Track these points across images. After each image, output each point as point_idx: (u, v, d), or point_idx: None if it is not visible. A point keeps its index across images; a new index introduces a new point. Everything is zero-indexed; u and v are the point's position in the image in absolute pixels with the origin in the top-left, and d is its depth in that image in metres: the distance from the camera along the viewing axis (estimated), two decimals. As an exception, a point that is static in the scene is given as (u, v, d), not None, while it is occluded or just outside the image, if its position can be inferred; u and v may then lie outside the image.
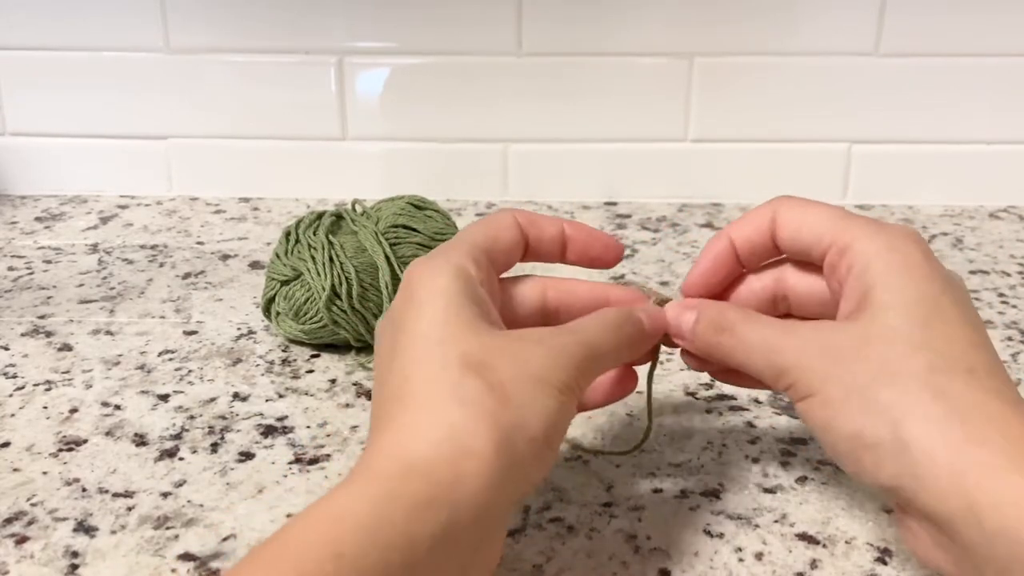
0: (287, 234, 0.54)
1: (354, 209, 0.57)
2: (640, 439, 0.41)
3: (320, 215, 0.55)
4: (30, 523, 0.38)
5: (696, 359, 0.37)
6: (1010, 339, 0.54)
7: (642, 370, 0.39)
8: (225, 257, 0.67)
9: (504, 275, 0.37)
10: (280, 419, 0.46)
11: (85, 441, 0.44)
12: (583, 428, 0.45)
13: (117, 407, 0.47)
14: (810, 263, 0.36)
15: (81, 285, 0.62)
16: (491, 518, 0.29)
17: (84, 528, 0.38)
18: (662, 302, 0.38)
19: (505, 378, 0.30)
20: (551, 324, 0.36)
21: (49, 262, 0.66)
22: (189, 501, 0.40)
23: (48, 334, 0.55)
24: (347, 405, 0.47)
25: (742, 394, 0.48)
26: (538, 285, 0.37)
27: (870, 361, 0.30)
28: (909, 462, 0.29)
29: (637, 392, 0.39)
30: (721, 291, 0.38)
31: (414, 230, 0.54)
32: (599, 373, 0.34)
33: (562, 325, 0.34)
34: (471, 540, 0.28)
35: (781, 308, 0.38)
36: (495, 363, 0.30)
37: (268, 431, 0.45)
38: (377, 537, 0.26)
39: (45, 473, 0.42)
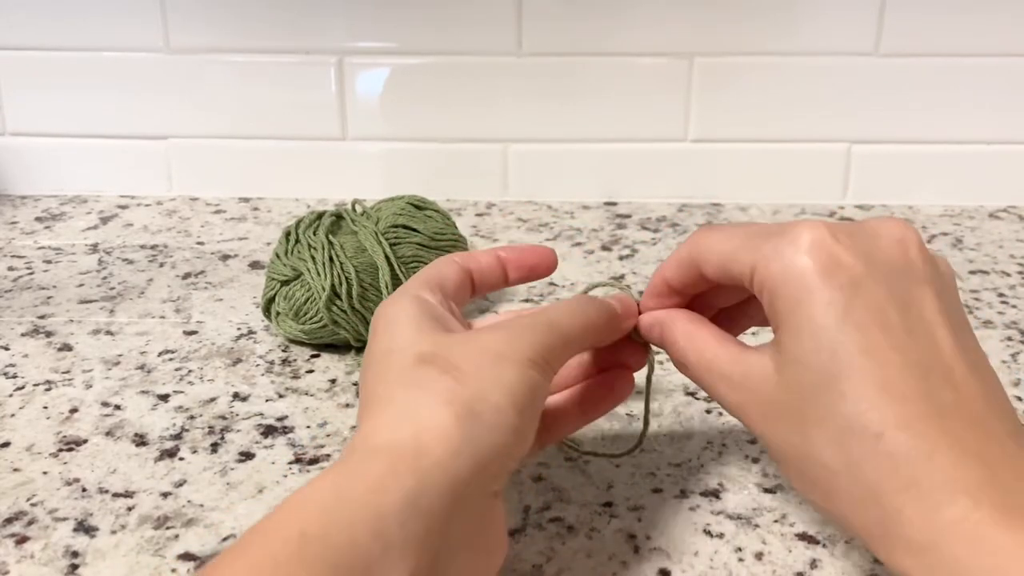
0: (287, 234, 0.54)
1: (354, 209, 0.57)
2: (636, 442, 0.41)
3: (320, 215, 0.55)
4: (30, 523, 0.38)
5: None
6: (1010, 339, 0.54)
7: (641, 375, 0.39)
8: (225, 257, 0.67)
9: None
10: (280, 419, 0.46)
11: (85, 441, 0.44)
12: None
13: (117, 407, 0.47)
14: None
15: (81, 285, 0.62)
16: (468, 489, 0.29)
17: (84, 528, 0.38)
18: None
19: (460, 361, 0.31)
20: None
21: (49, 262, 0.66)
22: (189, 501, 0.40)
23: (48, 334, 0.55)
24: (347, 405, 0.47)
25: (742, 394, 0.48)
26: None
27: (791, 431, 0.30)
28: (850, 529, 0.30)
29: (638, 392, 0.39)
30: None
31: (414, 230, 0.54)
32: (569, 349, 0.34)
33: (525, 313, 0.35)
34: (447, 510, 0.28)
35: None
36: (449, 353, 0.31)
37: (268, 431, 0.45)
38: (342, 514, 0.26)
39: (45, 473, 0.42)
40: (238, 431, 0.45)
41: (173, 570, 0.36)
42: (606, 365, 0.39)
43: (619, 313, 0.37)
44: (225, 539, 0.37)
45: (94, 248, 0.69)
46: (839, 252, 0.30)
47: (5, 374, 0.50)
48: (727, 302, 0.38)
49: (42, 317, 0.57)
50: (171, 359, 0.52)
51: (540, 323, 0.33)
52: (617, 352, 0.39)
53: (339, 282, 0.50)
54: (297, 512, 0.27)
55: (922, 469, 0.27)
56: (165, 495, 0.40)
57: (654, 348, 0.39)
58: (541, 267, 0.39)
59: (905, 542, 0.27)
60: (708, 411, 0.46)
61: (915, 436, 0.27)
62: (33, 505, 0.39)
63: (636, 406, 0.46)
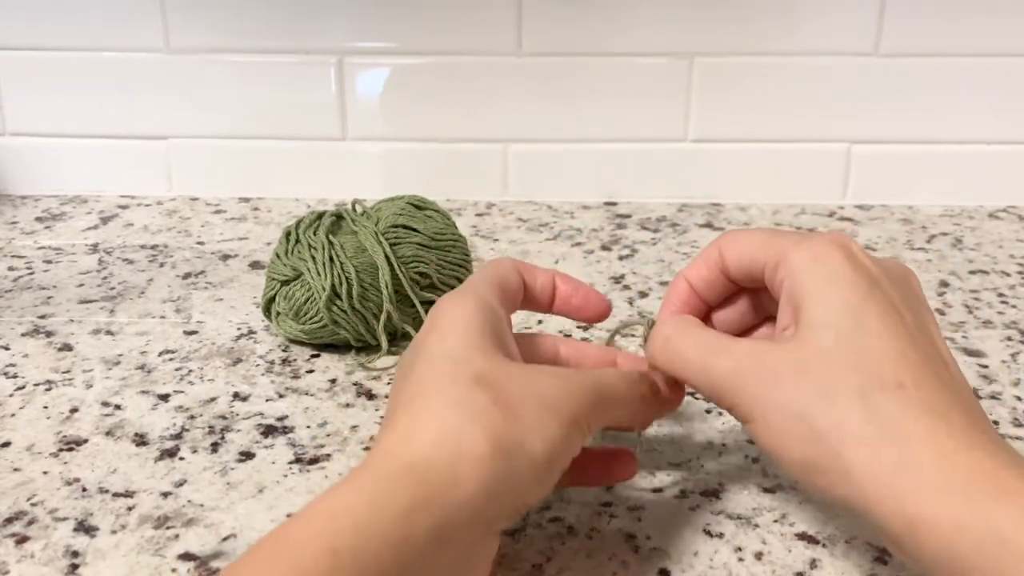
0: (287, 234, 0.54)
1: (354, 209, 0.57)
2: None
3: (320, 215, 0.55)
4: (30, 523, 0.38)
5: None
6: (1010, 339, 0.54)
7: None
8: (225, 257, 0.67)
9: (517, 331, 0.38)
10: (280, 419, 0.46)
11: (85, 441, 0.44)
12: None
13: (117, 407, 0.47)
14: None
15: (81, 285, 0.62)
16: (483, 526, 0.29)
17: (84, 528, 0.38)
18: (651, 324, 0.38)
19: (513, 397, 0.30)
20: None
21: (49, 262, 0.66)
22: (189, 501, 0.40)
23: (48, 334, 0.55)
24: (347, 405, 0.47)
25: (742, 394, 0.48)
26: (551, 340, 0.39)
27: (806, 386, 0.31)
28: (855, 486, 0.29)
29: None
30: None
31: (414, 230, 0.54)
32: (610, 419, 0.35)
33: (579, 369, 0.35)
34: (463, 542, 0.28)
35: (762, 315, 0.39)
36: (506, 383, 0.31)
37: (268, 431, 0.45)
38: (372, 535, 0.26)
39: (45, 473, 0.42)
40: (238, 431, 0.45)
41: (173, 570, 0.36)
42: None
43: (665, 397, 0.37)
44: (225, 539, 0.37)
45: (94, 248, 0.69)
46: (861, 256, 0.33)
47: (5, 374, 0.50)
48: (732, 325, 0.39)
49: (42, 317, 0.57)
50: (171, 359, 0.52)
51: (593, 384, 0.33)
52: None
53: (339, 282, 0.50)
54: (328, 526, 0.26)
55: (940, 421, 0.29)
56: (165, 495, 0.40)
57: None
58: (587, 314, 0.39)
59: (919, 486, 0.28)
60: (708, 411, 0.46)
61: (930, 395, 0.29)
62: (33, 505, 0.39)
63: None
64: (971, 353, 0.52)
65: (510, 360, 0.33)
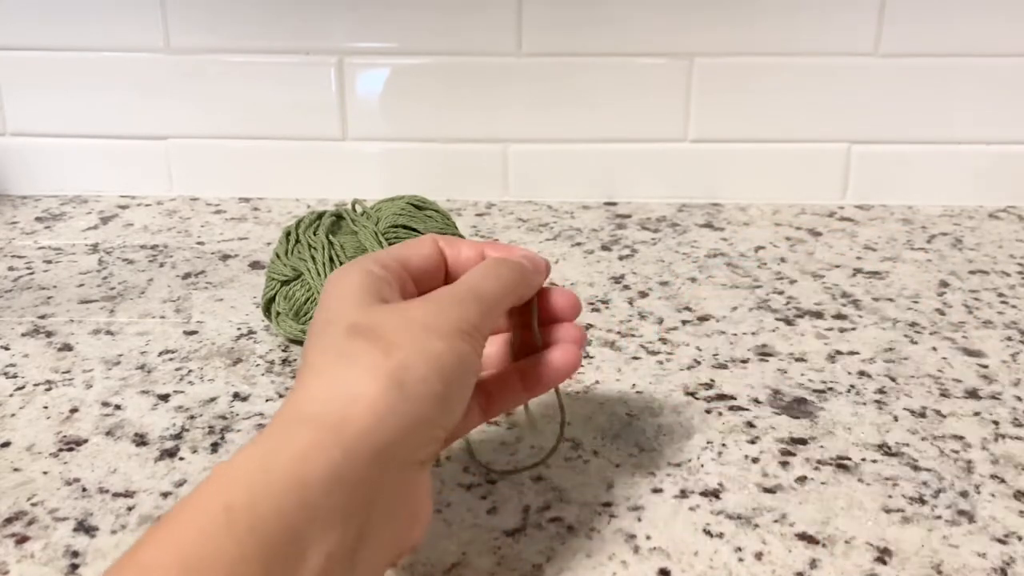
0: (287, 234, 0.54)
1: (354, 209, 0.57)
2: (554, 442, 0.39)
3: (320, 215, 0.55)
4: (30, 523, 0.38)
5: None
6: (1010, 339, 0.54)
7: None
8: (225, 257, 0.67)
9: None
10: (280, 419, 0.46)
11: (85, 441, 0.44)
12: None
13: (117, 407, 0.47)
14: None
15: (81, 285, 0.62)
16: (392, 458, 0.29)
17: (84, 528, 0.38)
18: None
19: (388, 332, 0.31)
20: (449, 278, 0.39)
21: (49, 262, 0.66)
22: (189, 501, 0.40)
23: (48, 334, 0.55)
24: (347, 405, 0.47)
25: (742, 394, 0.48)
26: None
27: None
28: None
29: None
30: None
31: (414, 230, 0.54)
32: (493, 314, 0.35)
33: (449, 285, 0.36)
34: (370, 479, 0.29)
35: None
36: (380, 325, 0.32)
37: (268, 431, 0.45)
38: (267, 485, 0.27)
39: (45, 473, 0.42)
40: (238, 431, 0.45)
41: (173, 570, 0.36)
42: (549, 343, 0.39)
43: (530, 269, 0.38)
44: (225, 539, 0.37)
45: (94, 248, 0.69)
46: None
47: (5, 374, 0.50)
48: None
49: (42, 317, 0.57)
50: (171, 359, 0.52)
51: (466, 293, 0.34)
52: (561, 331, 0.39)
53: (339, 282, 0.50)
54: (223, 485, 0.27)
55: None
56: (165, 495, 0.40)
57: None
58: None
59: None
60: (708, 411, 0.46)
61: None
62: (33, 505, 0.39)
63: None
64: (971, 353, 0.52)
65: (384, 303, 0.34)
